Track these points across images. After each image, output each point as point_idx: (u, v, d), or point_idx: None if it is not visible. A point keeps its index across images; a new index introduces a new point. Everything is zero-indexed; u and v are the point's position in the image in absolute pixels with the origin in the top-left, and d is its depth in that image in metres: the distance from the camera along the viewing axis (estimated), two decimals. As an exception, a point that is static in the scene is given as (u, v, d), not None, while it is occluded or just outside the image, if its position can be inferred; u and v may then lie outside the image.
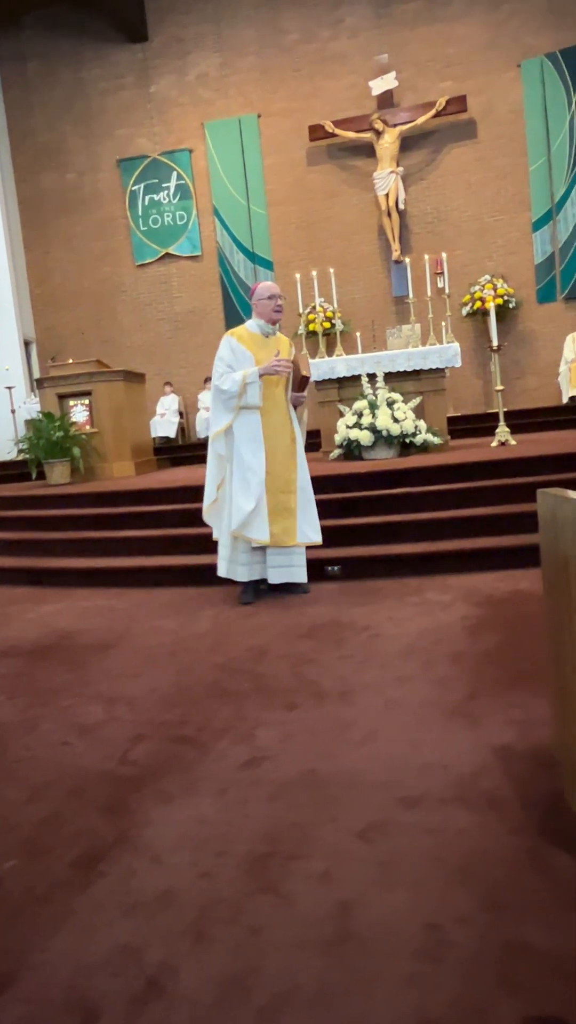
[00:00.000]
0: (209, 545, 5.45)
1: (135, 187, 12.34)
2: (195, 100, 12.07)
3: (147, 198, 12.32)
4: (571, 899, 1.61)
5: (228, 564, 4.45)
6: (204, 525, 5.78)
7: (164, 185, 12.25)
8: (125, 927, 1.67)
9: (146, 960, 1.56)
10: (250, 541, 4.33)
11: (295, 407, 4.45)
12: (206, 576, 5.07)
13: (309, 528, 4.42)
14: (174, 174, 12.21)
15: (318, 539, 4.45)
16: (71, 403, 8.74)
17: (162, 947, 1.60)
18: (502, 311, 10.61)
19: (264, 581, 4.51)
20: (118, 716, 2.91)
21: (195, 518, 5.88)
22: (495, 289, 10.72)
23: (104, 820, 2.14)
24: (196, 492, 6.31)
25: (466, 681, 2.90)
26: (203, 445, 11.56)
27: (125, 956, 1.58)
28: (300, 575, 4.45)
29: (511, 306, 10.88)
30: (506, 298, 10.75)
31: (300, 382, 4.36)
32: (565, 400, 10.27)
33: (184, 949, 1.58)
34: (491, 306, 7.38)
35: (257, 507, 4.27)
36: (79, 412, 8.73)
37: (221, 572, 4.49)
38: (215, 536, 4.64)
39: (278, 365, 4.23)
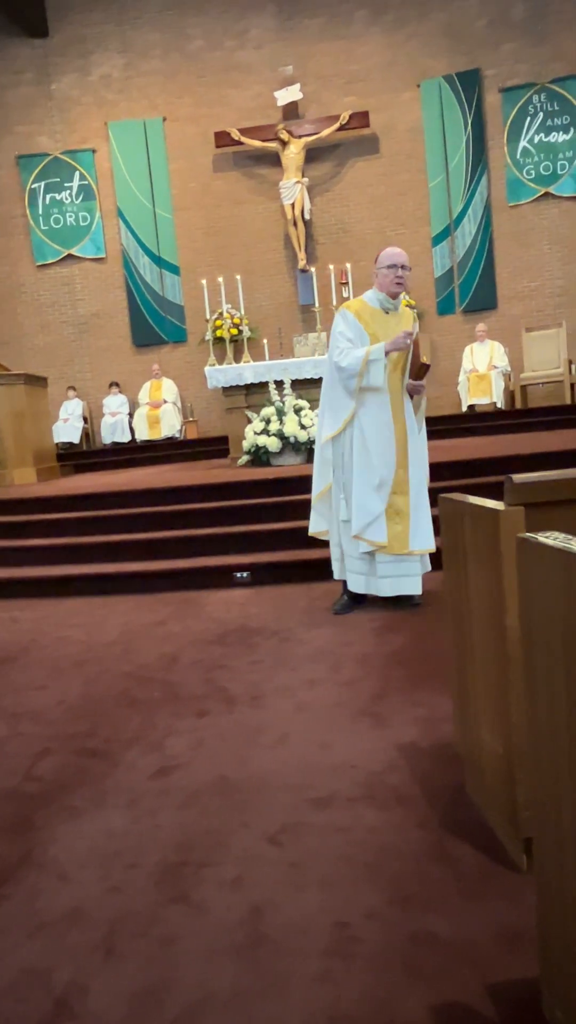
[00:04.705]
0: (117, 553, 5.36)
1: (35, 185, 11.96)
2: (98, 100, 11.84)
3: (48, 197, 11.96)
4: (472, 888, 1.68)
5: (340, 565, 4.00)
6: (111, 532, 5.69)
7: (66, 185, 11.94)
8: (31, 949, 1.62)
9: (53, 981, 1.52)
10: (367, 544, 3.84)
11: (410, 396, 3.92)
12: (114, 584, 4.97)
13: (423, 534, 3.90)
14: (77, 174, 11.92)
15: (431, 546, 3.89)
16: (-32, 407, 8.36)
17: (70, 966, 1.55)
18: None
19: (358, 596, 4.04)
20: (22, 731, 2.81)
21: (101, 525, 5.77)
22: (398, 300, 11.04)
23: (7, 840, 2.06)
24: (102, 499, 6.19)
25: (373, 682, 2.97)
26: (108, 451, 11.39)
27: (31, 979, 1.53)
28: (414, 586, 3.90)
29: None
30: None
31: (418, 370, 3.82)
32: (464, 408, 10.68)
33: (94, 967, 1.55)
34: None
35: (379, 507, 3.82)
36: (-23, 416, 8.36)
37: (337, 574, 4.03)
38: (312, 531, 4.15)
39: (406, 337, 3.74)
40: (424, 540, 3.89)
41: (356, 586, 3.94)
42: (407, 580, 3.89)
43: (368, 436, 3.82)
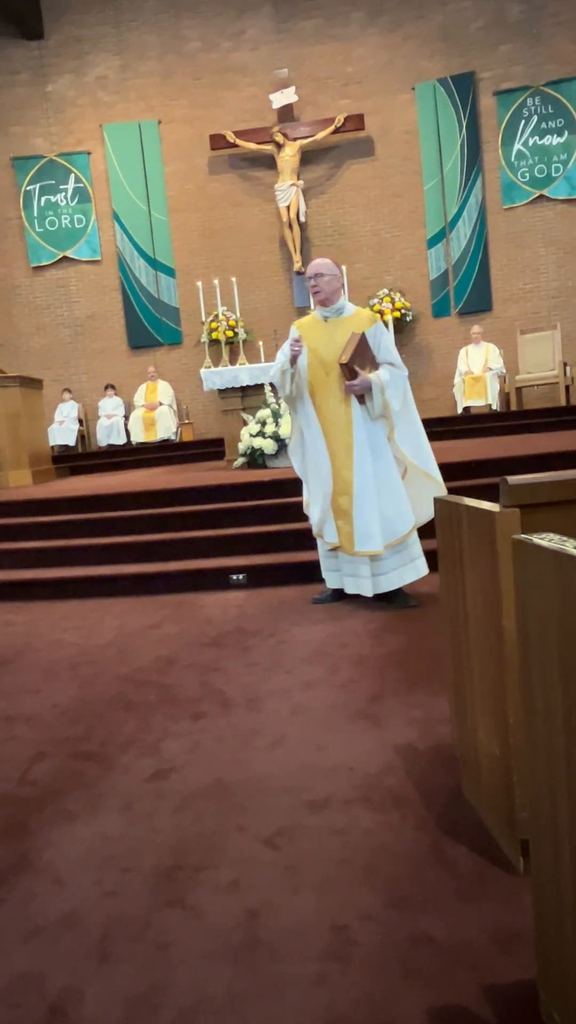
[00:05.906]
0: (112, 555, 5.35)
1: (30, 187, 11.95)
2: (94, 102, 11.84)
3: (43, 199, 11.95)
4: (469, 890, 1.68)
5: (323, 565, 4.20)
6: (107, 534, 5.67)
7: (62, 187, 11.93)
8: (25, 954, 1.61)
9: (48, 986, 1.51)
10: (326, 543, 4.06)
11: (359, 400, 3.91)
12: (109, 587, 4.96)
13: (368, 535, 3.86)
14: (72, 176, 11.91)
15: (376, 547, 3.86)
16: (-37, 409, 8.35)
17: (65, 972, 1.55)
18: (400, 324, 10.93)
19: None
20: (17, 735, 2.80)
21: (96, 528, 5.76)
22: (393, 303, 11.05)
23: (1, 844, 2.05)
24: (97, 501, 6.18)
25: (370, 683, 2.96)
26: (104, 453, 11.38)
27: (25, 984, 1.52)
28: (365, 587, 3.95)
29: (408, 319, 11.24)
30: (403, 311, 11.10)
31: (341, 371, 3.82)
32: (460, 410, 10.69)
33: (89, 972, 1.54)
34: (389, 319, 7.62)
35: (324, 509, 3.99)
36: (-28, 419, 8.34)
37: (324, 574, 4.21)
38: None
39: (295, 343, 3.90)
40: (367, 541, 3.88)
41: (331, 582, 4.15)
42: (360, 581, 3.98)
43: (307, 442, 4.07)
